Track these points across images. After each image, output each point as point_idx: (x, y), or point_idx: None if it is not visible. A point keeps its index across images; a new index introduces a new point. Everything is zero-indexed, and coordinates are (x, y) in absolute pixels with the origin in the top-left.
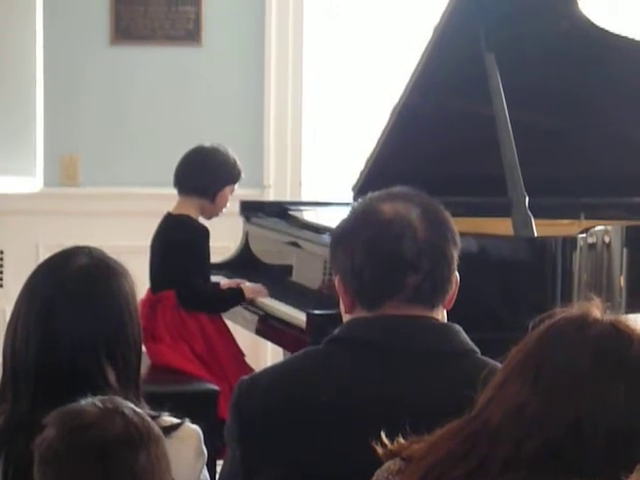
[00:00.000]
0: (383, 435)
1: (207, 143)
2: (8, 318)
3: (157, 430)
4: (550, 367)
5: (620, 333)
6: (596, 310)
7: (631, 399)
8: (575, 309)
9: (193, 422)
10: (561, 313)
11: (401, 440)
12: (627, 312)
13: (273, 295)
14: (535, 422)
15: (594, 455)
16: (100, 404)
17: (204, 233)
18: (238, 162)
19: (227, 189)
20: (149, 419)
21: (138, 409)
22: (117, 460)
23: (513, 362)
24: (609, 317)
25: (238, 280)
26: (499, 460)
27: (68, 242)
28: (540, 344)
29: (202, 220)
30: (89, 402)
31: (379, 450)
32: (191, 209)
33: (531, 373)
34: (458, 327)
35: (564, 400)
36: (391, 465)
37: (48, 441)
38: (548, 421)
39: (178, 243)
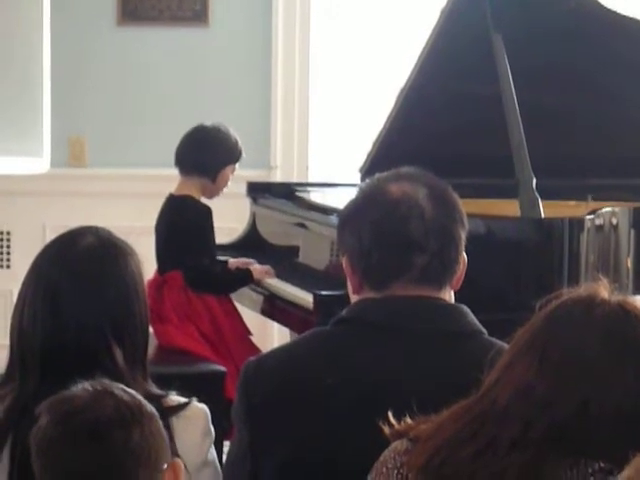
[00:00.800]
0: (390, 415)
1: (208, 122)
2: (15, 299)
3: (150, 408)
4: (557, 348)
5: (628, 314)
6: (604, 291)
7: (639, 380)
8: (582, 290)
9: (200, 402)
10: (568, 294)
11: (408, 420)
12: (634, 293)
13: (280, 276)
14: (542, 403)
15: (601, 436)
16: (90, 387)
17: (207, 212)
18: (239, 142)
19: (228, 168)
20: (140, 397)
21: (129, 389)
22: (111, 439)
23: (520, 343)
24: (617, 298)
25: (246, 259)
26: (507, 441)
27: (75, 223)
28: (547, 325)
29: (204, 200)
30: (79, 387)
31: (386, 430)
32: (192, 189)
33: (538, 354)
34: (466, 308)
35: (571, 381)
36: (398, 445)
37: (42, 430)
38: (555, 402)
39: (182, 224)
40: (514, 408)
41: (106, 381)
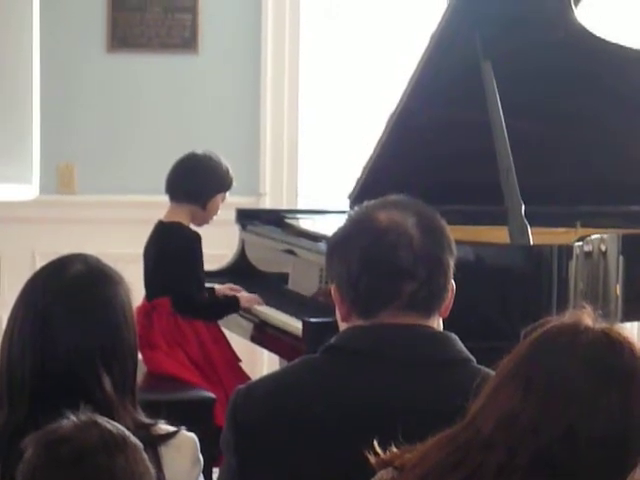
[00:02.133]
0: (376, 444)
1: (199, 150)
2: (4, 326)
3: (134, 439)
4: (541, 375)
5: (612, 341)
6: (588, 318)
7: (623, 407)
8: (567, 317)
9: (189, 430)
10: (552, 321)
11: (394, 449)
12: (623, 321)
13: (269, 303)
14: (528, 430)
15: (588, 463)
16: (74, 419)
17: (196, 239)
18: (230, 170)
19: (219, 196)
20: (124, 429)
21: (113, 422)
22: (94, 465)
23: (505, 370)
24: (601, 325)
25: (233, 285)
26: (492, 468)
27: (64, 250)
28: (532, 352)
29: (194, 227)
30: (64, 420)
31: (372, 459)
32: (182, 216)
33: (522, 381)
34: (454, 336)
35: (556, 408)
36: (384, 474)
37: (27, 461)
38: (541, 429)
39: (171, 250)
40: (499, 435)
41: (90, 413)
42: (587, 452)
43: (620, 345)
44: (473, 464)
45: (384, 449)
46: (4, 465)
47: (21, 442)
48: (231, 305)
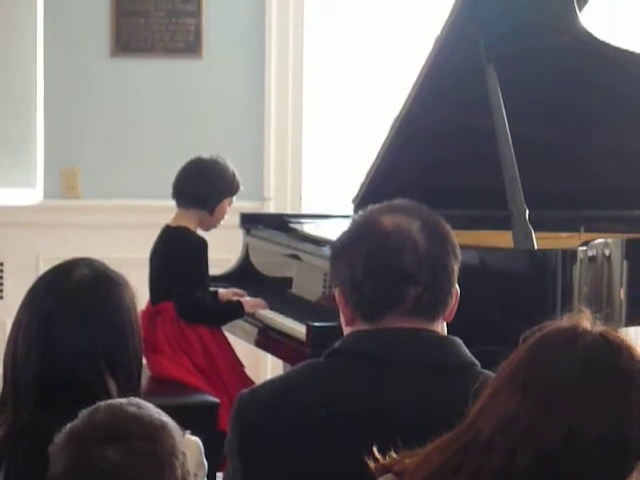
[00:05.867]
0: (375, 450)
1: (206, 155)
2: (8, 330)
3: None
4: (540, 378)
5: (609, 343)
6: (586, 322)
7: (622, 409)
8: (564, 321)
9: (193, 434)
10: (551, 325)
11: (393, 454)
12: (627, 325)
13: (273, 307)
14: (527, 433)
15: (587, 465)
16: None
17: (202, 245)
18: (237, 174)
19: (225, 201)
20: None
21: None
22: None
23: (503, 374)
24: (598, 328)
25: (236, 290)
26: (492, 471)
27: (68, 254)
28: (530, 355)
29: (200, 232)
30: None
31: (371, 465)
32: (189, 221)
33: (521, 384)
34: (458, 340)
35: (555, 411)
36: None
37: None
38: (539, 432)
39: (176, 255)
40: (498, 439)
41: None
42: (586, 454)
43: (618, 347)
44: (473, 467)
45: (386, 453)
46: (8, 468)
47: (25, 444)
48: (235, 310)
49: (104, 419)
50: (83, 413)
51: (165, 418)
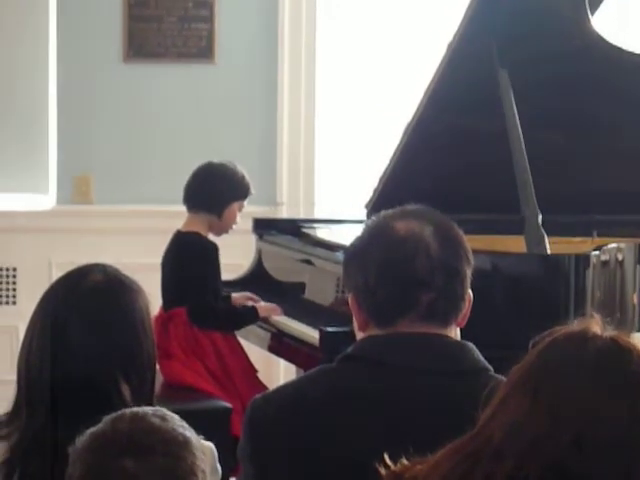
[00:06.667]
0: (386, 456)
1: (216, 159)
2: (22, 335)
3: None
4: (550, 383)
5: (620, 348)
6: (596, 326)
7: (632, 414)
8: (575, 326)
9: (206, 439)
10: (561, 330)
11: (404, 461)
12: None
13: (286, 312)
14: (537, 439)
15: (598, 471)
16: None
17: (213, 249)
18: (247, 178)
19: (235, 205)
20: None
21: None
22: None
23: (513, 379)
24: (609, 333)
25: (249, 294)
26: (502, 478)
27: (81, 260)
28: (540, 360)
29: (212, 237)
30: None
31: (382, 472)
32: (200, 226)
33: (531, 390)
34: (471, 345)
35: (565, 416)
36: None
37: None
38: (550, 438)
39: (188, 260)
40: (508, 444)
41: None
42: (596, 460)
43: (629, 352)
44: (483, 473)
45: (398, 459)
46: (21, 473)
47: (38, 451)
48: (250, 316)
49: (127, 428)
50: (107, 419)
51: (189, 433)
